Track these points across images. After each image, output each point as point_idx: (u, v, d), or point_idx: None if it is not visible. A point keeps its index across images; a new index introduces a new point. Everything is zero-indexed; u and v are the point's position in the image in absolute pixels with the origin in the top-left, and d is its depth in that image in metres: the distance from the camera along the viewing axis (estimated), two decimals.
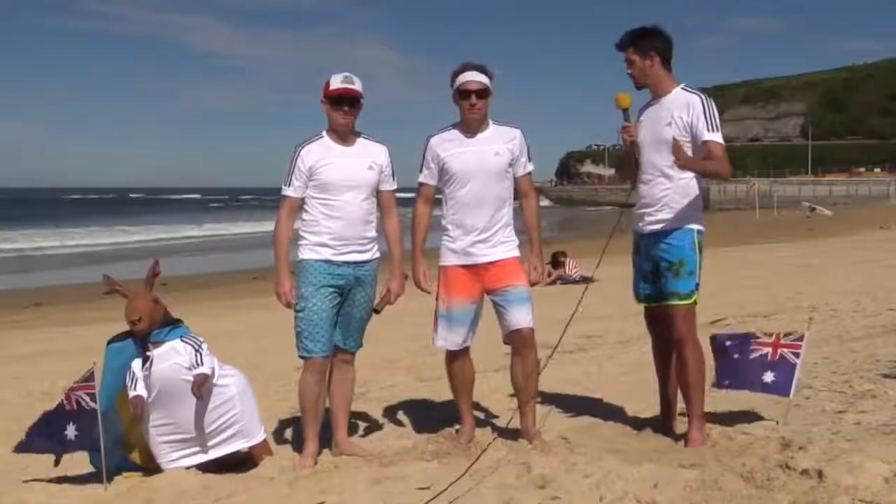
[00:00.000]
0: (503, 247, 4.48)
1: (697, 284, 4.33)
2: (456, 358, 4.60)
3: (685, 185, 4.33)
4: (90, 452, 4.50)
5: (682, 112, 4.28)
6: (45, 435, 4.50)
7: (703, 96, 4.34)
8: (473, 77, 4.40)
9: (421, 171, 4.58)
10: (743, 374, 4.65)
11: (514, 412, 4.62)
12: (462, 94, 4.41)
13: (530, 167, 4.60)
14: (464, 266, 4.48)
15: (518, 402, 4.59)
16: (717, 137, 4.25)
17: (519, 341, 4.45)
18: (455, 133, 4.51)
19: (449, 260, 4.53)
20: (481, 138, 4.47)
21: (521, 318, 4.41)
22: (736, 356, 4.68)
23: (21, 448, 4.58)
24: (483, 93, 4.40)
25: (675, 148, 4.16)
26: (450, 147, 4.47)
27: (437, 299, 4.58)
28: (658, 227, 4.36)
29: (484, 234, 4.46)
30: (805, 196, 58.08)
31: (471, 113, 4.43)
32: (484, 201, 4.45)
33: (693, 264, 4.31)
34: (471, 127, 4.48)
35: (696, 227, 4.35)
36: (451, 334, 4.52)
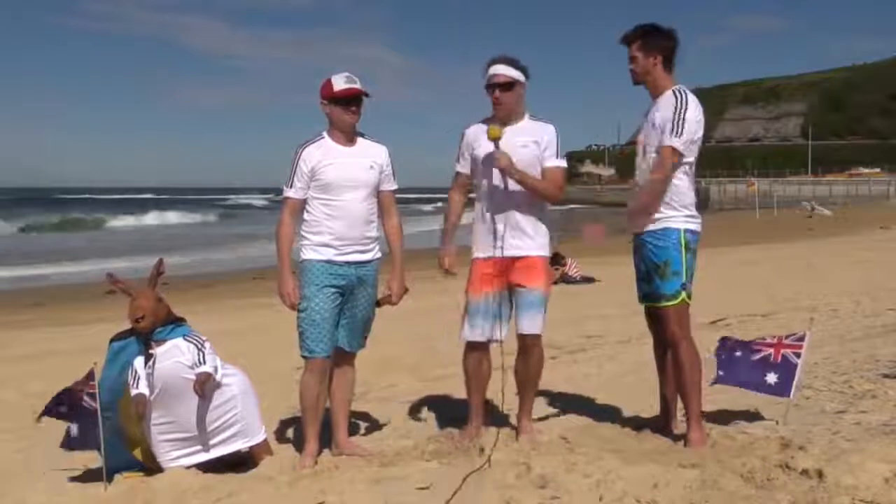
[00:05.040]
0: (530, 242, 4.46)
1: (684, 284, 4.31)
2: (473, 351, 4.58)
3: (673, 186, 4.32)
4: (97, 450, 4.51)
5: (665, 112, 4.29)
6: (62, 404, 4.51)
7: (680, 98, 4.28)
8: (499, 70, 4.43)
9: (457, 160, 4.65)
10: (744, 372, 4.65)
11: (515, 411, 4.63)
12: (488, 87, 4.44)
13: (560, 162, 4.49)
14: (491, 259, 4.48)
15: (518, 393, 4.63)
16: (670, 142, 4.22)
17: (522, 345, 4.51)
18: (488, 124, 4.50)
19: (476, 252, 4.55)
20: (512, 131, 4.46)
21: (528, 324, 4.43)
22: (738, 353, 4.69)
23: (45, 412, 4.60)
24: (507, 86, 4.41)
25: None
26: (483, 139, 4.47)
27: (465, 292, 4.58)
28: (648, 226, 4.37)
29: (510, 228, 4.45)
30: (805, 196, 58.05)
31: (495, 106, 4.46)
32: (510, 194, 4.44)
33: (678, 264, 4.30)
34: (499, 119, 4.48)
35: (682, 226, 4.34)
36: (473, 327, 4.52)
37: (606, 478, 3.69)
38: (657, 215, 4.33)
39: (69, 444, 4.55)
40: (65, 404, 4.52)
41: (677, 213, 4.34)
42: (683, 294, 4.32)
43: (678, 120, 4.23)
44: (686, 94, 4.30)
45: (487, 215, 4.51)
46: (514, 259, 4.45)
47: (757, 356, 4.63)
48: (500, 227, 4.46)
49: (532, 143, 4.44)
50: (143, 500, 4.12)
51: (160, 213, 58.25)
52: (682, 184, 4.37)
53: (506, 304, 4.52)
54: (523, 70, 4.46)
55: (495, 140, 4.41)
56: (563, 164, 4.53)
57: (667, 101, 4.32)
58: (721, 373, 4.70)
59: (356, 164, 4.50)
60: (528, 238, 4.46)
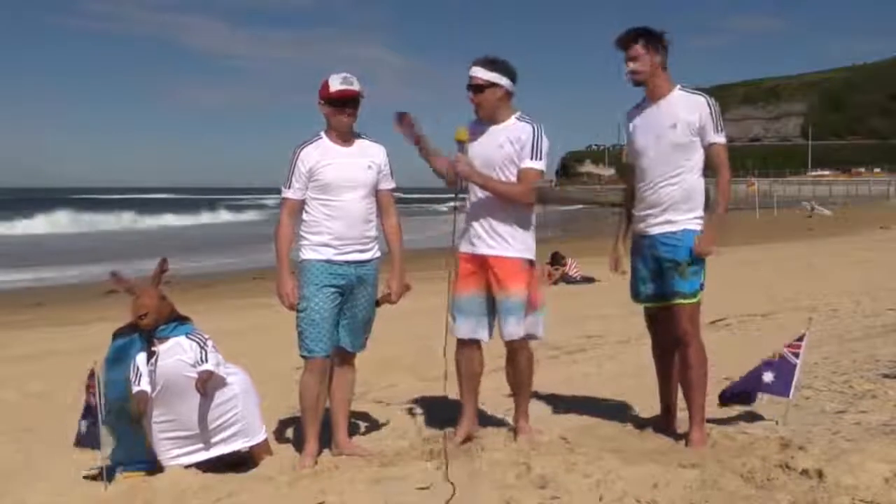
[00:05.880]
0: (504, 244, 4.43)
1: (702, 284, 4.33)
2: (463, 347, 4.58)
3: (690, 187, 4.33)
4: (113, 447, 4.55)
5: (689, 114, 4.29)
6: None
7: (707, 97, 4.36)
8: (472, 72, 4.42)
9: None
10: (745, 379, 4.69)
11: (511, 411, 4.64)
12: (466, 88, 4.45)
13: (533, 164, 4.40)
14: (470, 255, 4.49)
15: (512, 396, 4.65)
16: (721, 139, 4.34)
17: (508, 350, 4.51)
18: (478, 124, 4.52)
19: (459, 246, 4.57)
20: (493, 131, 4.46)
21: (508, 329, 4.42)
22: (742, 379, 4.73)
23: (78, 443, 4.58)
24: (479, 89, 4.40)
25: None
26: (474, 137, 4.48)
27: (453, 288, 4.59)
28: (665, 228, 4.35)
29: (486, 228, 4.45)
30: (805, 196, 58.06)
31: (475, 107, 4.46)
32: (486, 195, 4.43)
33: (698, 264, 4.32)
34: (481, 119, 4.50)
35: (699, 228, 4.35)
36: (459, 323, 4.53)
37: (606, 478, 3.69)
38: (677, 216, 4.32)
39: (81, 442, 4.55)
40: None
41: (694, 215, 4.35)
42: (700, 294, 4.33)
43: (717, 118, 4.31)
44: (704, 93, 4.38)
45: (470, 212, 4.53)
46: (490, 258, 4.43)
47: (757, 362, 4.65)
48: (476, 225, 4.48)
49: (508, 144, 4.41)
50: (143, 499, 4.12)
51: (213, 213, 58.81)
52: (700, 185, 4.38)
53: (489, 305, 4.51)
54: (507, 72, 4.41)
55: (459, 143, 4.43)
56: (538, 165, 4.39)
57: (685, 101, 4.33)
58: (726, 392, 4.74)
59: (354, 164, 4.50)
60: (501, 239, 4.43)
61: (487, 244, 4.44)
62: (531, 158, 4.39)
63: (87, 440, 4.49)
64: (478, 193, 4.48)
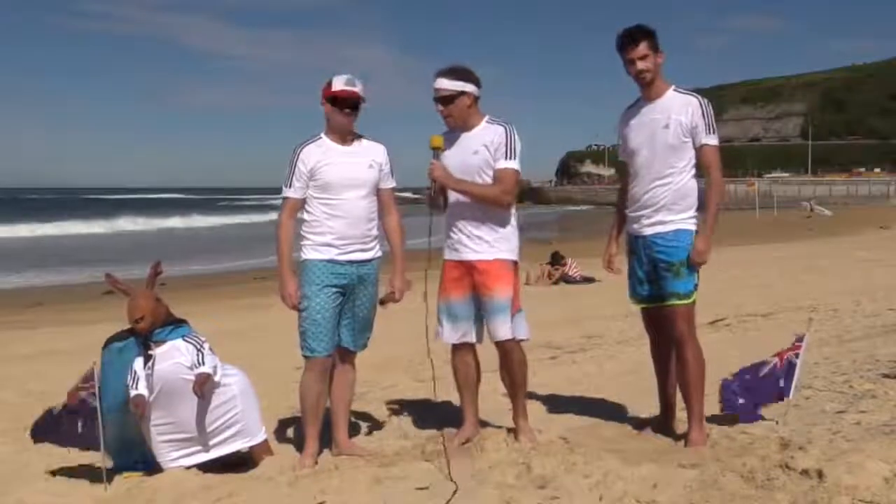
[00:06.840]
0: (487, 247, 4.44)
1: (696, 285, 4.34)
2: (457, 352, 4.61)
3: (683, 187, 4.34)
4: (112, 451, 4.54)
5: (681, 114, 4.29)
6: (53, 430, 4.54)
7: (700, 97, 4.36)
8: (439, 84, 4.42)
9: None
10: (758, 390, 4.65)
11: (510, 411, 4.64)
12: (434, 101, 4.45)
13: (509, 163, 4.42)
14: (456, 262, 4.50)
15: (509, 397, 4.65)
16: (713, 140, 4.33)
17: (500, 351, 4.51)
18: (449, 133, 4.53)
19: (444, 254, 4.57)
20: (466, 137, 4.47)
21: (498, 330, 4.42)
22: (747, 376, 4.69)
23: (34, 433, 4.63)
24: (448, 99, 4.40)
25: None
26: (448, 146, 4.49)
27: (437, 294, 4.60)
28: (657, 228, 4.35)
29: (468, 232, 4.46)
30: (805, 196, 58.12)
31: (443, 118, 4.47)
32: (466, 200, 4.44)
33: (693, 265, 4.31)
34: (452, 128, 4.51)
35: (693, 228, 4.35)
36: (449, 329, 4.55)
37: (606, 478, 3.69)
38: (670, 217, 4.32)
39: (76, 441, 4.55)
40: (53, 430, 4.54)
41: (688, 216, 4.35)
42: (695, 294, 4.33)
43: (710, 119, 4.31)
44: (697, 94, 4.38)
45: (451, 219, 4.53)
46: (475, 263, 4.44)
47: (764, 370, 4.63)
48: (458, 231, 4.49)
49: (482, 148, 4.42)
50: (143, 500, 4.12)
51: (213, 213, 59.50)
52: (693, 185, 4.38)
53: (476, 309, 4.51)
54: (471, 78, 4.43)
55: (434, 150, 4.44)
56: (513, 164, 4.41)
57: (679, 102, 4.33)
58: (741, 401, 4.67)
59: (356, 163, 4.51)
60: (483, 242, 4.44)
61: (472, 249, 4.45)
62: (506, 158, 4.41)
63: (84, 440, 4.49)
64: (456, 200, 4.48)
